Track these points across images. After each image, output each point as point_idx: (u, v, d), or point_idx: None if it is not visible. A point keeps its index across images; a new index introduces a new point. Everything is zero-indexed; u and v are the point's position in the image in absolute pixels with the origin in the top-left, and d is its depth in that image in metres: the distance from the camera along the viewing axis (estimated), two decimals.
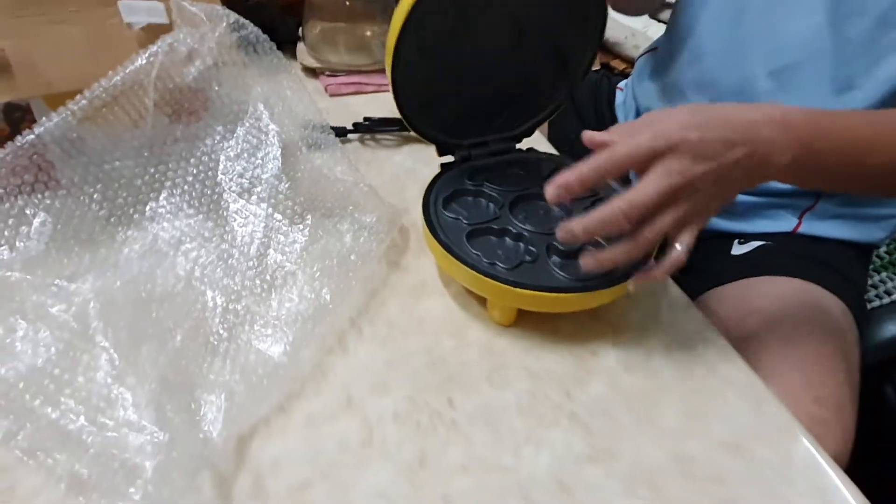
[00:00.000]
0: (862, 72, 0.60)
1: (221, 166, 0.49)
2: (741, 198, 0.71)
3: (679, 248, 0.43)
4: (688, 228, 0.43)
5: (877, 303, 0.82)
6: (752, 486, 0.41)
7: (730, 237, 0.73)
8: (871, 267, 0.86)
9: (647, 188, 0.40)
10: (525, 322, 0.49)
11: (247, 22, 0.50)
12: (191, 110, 0.49)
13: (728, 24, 0.67)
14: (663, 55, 0.77)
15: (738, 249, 0.72)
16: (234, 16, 0.49)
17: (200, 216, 0.47)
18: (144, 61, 0.45)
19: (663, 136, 0.40)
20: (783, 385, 0.52)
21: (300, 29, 0.80)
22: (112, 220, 0.44)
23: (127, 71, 0.44)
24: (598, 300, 0.48)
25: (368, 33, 0.79)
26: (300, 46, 0.80)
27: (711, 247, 0.74)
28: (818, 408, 0.52)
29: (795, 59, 0.62)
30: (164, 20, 0.50)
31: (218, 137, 0.50)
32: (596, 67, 1.27)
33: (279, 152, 0.49)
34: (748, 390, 0.47)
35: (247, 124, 0.50)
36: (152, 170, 0.47)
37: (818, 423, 0.51)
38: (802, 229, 0.71)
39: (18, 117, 0.51)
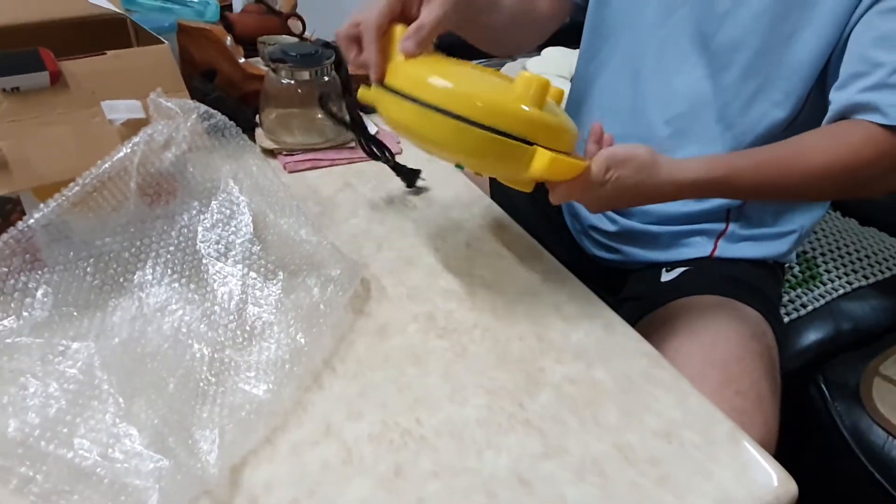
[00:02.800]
0: (738, 114, 0.71)
1: (199, 236, 0.55)
2: (664, 229, 0.81)
3: None
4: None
5: (795, 315, 0.92)
6: (683, 465, 0.48)
7: (658, 266, 0.82)
8: (787, 285, 0.96)
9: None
10: (478, 347, 0.56)
11: (215, 112, 0.58)
12: (169, 190, 0.56)
13: (629, 83, 0.78)
14: (572, 111, 0.88)
15: (666, 276, 0.81)
16: (203, 107, 0.57)
17: (184, 280, 0.53)
18: (129, 150, 0.52)
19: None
20: (708, 384, 0.60)
21: (257, 116, 0.88)
22: (105, 288, 0.50)
23: (113, 160, 0.51)
24: None
25: (320, 115, 0.87)
26: (258, 131, 0.88)
27: (643, 276, 0.83)
28: (739, 399, 0.60)
29: (685, 108, 0.74)
30: (141, 115, 0.57)
31: (194, 211, 0.57)
32: None
33: (250, 220, 0.56)
34: (676, 389, 0.54)
35: (220, 198, 0.57)
36: (138, 243, 0.53)
37: (740, 413, 0.58)
38: (718, 253, 0.80)
39: (10, 209, 0.57)
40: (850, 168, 0.59)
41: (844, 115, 0.62)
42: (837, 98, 0.62)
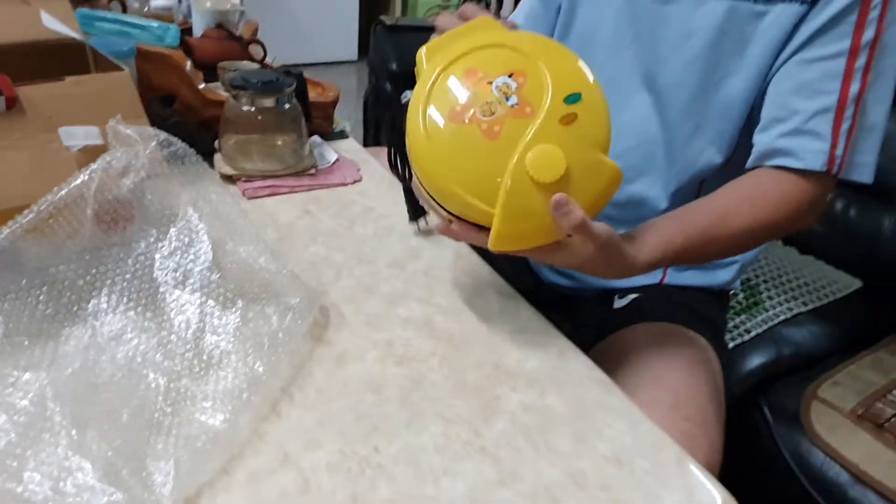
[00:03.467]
0: (681, 151, 0.75)
1: (157, 263, 0.55)
2: None
3: None
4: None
5: (739, 340, 0.96)
6: (633, 490, 0.49)
7: (611, 293, 0.85)
8: (732, 311, 1.00)
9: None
10: (435, 375, 0.57)
11: (174, 139, 0.58)
12: (126, 217, 0.56)
13: None
14: None
15: (618, 303, 0.83)
16: (163, 135, 0.57)
17: (140, 308, 0.53)
18: (86, 177, 0.52)
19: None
20: (657, 409, 0.62)
21: (216, 142, 0.88)
22: (58, 317, 0.49)
23: (70, 187, 0.51)
24: None
25: (279, 142, 0.88)
26: (217, 157, 0.88)
27: (597, 303, 0.86)
28: (687, 424, 0.62)
29: (634, 143, 0.77)
30: (99, 141, 0.57)
31: (152, 239, 0.56)
32: None
33: (209, 247, 0.56)
34: (627, 416, 0.56)
35: (179, 225, 0.57)
36: (93, 271, 0.52)
37: (687, 437, 0.61)
38: (667, 281, 0.84)
39: None
40: (774, 224, 0.65)
41: (766, 156, 0.67)
42: (759, 140, 0.68)
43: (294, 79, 0.86)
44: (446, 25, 0.62)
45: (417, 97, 0.57)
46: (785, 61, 0.67)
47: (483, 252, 0.76)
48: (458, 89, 0.56)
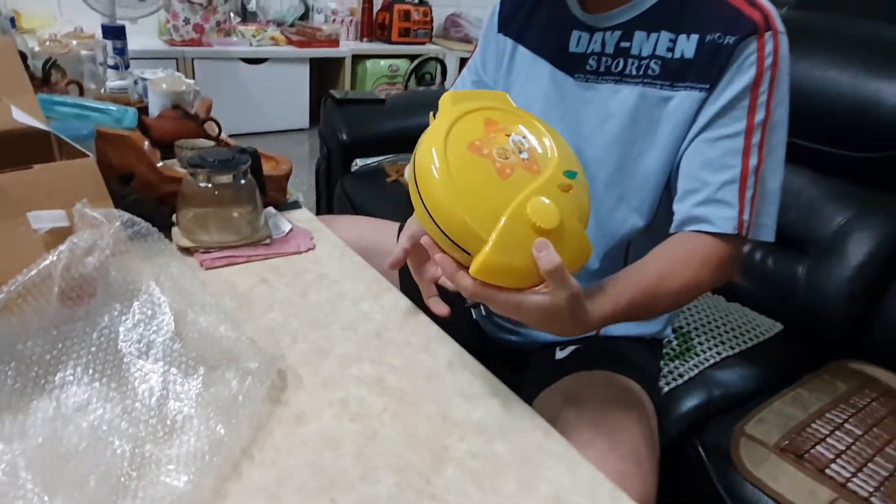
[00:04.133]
0: (607, 218, 0.84)
1: (121, 336, 0.58)
2: None
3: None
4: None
5: (674, 384, 1.02)
6: None
7: (553, 346, 0.91)
8: (666, 357, 1.07)
9: None
10: (388, 430, 0.61)
11: (138, 219, 0.62)
12: (91, 293, 0.59)
13: None
14: None
15: (559, 354, 0.90)
16: (126, 215, 0.61)
17: (105, 379, 0.56)
18: (53, 258, 0.56)
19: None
20: (595, 451, 0.67)
21: (174, 216, 0.92)
22: (26, 391, 0.52)
23: (39, 267, 0.54)
24: None
25: (235, 215, 0.93)
26: (175, 230, 0.92)
27: (541, 355, 0.92)
28: (622, 464, 0.68)
29: None
30: (66, 224, 0.61)
31: (115, 313, 0.60)
32: None
33: (171, 318, 0.60)
34: (566, 458, 0.61)
35: (142, 299, 0.61)
36: (60, 345, 0.55)
37: (622, 476, 0.66)
38: (603, 332, 0.91)
39: None
40: (703, 281, 0.72)
41: (685, 223, 0.76)
42: (678, 209, 0.77)
43: (249, 156, 0.92)
44: None
45: (438, 127, 0.62)
46: (692, 140, 0.77)
47: (431, 314, 0.81)
48: (479, 130, 0.63)
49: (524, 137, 0.64)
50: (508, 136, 0.64)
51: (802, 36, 1.33)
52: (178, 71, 2.53)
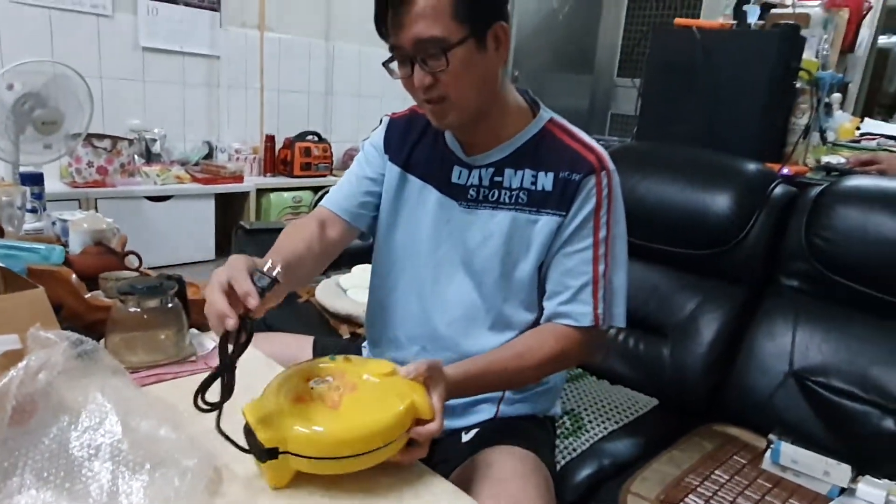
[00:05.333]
0: (497, 316, 1.01)
1: (72, 444, 0.65)
2: (460, 401, 1.03)
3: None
4: None
5: (569, 458, 1.16)
6: None
7: (459, 431, 1.03)
8: (561, 435, 1.21)
9: None
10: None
11: (86, 339, 0.71)
12: (43, 406, 0.66)
13: (416, 297, 1.05)
14: (376, 314, 1.13)
15: (465, 437, 1.02)
16: (75, 335, 0.70)
17: (58, 481, 0.62)
18: (6, 379, 0.63)
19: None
20: None
21: (101, 341, 0.99)
22: None
23: None
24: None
25: (163, 336, 1.01)
26: None
27: (448, 441, 1.03)
28: None
29: (460, 313, 1.02)
30: (18, 346, 0.69)
31: (65, 423, 0.67)
32: (346, 336, 1.63)
33: (118, 422, 0.68)
34: None
35: (89, 407, 0.68)
36: (16, 453, 0.62)
37: None
38: (500, 414, 1.04)
39: None
40: (558, 359, 0.94)
41: (552, 318, 0.97)
42: (547, 306, 0.98)
43: (175, 282, 1.02)
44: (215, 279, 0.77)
45: (273, 423, 0.73)
46: (555, 253, 0.98)
47: None
48: (297, 389, 0.79)
49: (320, 378, 0.81)
50: (308, 381, 0.80)
51: (642, 160, 1.64)
52: (79, 210, 2.57)
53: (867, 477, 1.06)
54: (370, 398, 0.77)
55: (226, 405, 0.73)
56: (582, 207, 0.95)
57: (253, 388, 0.96)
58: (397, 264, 1.07)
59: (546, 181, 0.96)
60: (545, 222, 0.96)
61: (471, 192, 1.01)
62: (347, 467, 0.73)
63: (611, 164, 0.97)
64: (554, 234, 0.96)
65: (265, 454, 0.71)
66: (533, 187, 0.97)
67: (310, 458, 0.72)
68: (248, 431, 0.73)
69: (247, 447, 0.72)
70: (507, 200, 0.98)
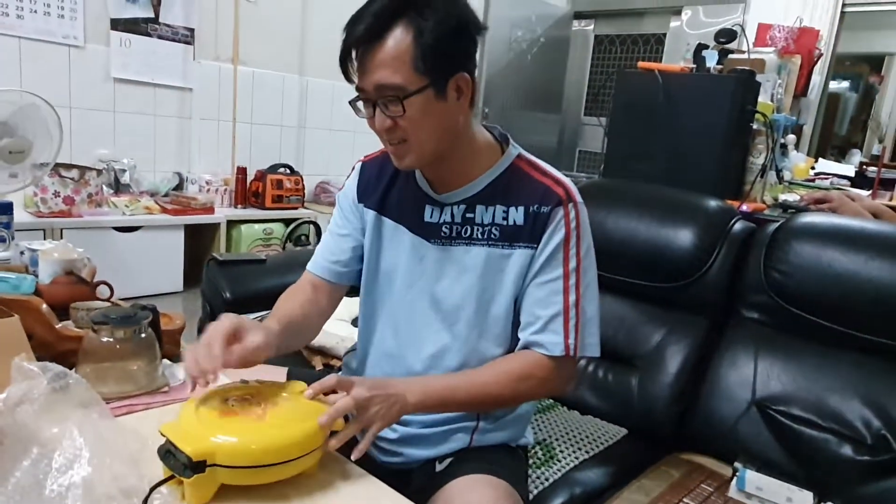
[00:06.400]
0: (471, 352, 1.03)
1: (49, 480, 0.65)
2: (433, 431, 1.04)
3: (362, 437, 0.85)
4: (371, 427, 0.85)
5: (542, 487, 1.17)
6: None
7: (433, 460, 1.04)
8: (534, 465, 1.23)
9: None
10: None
11: (68, 371, 0.71)
12: (17, 437, 0.66)
13: (392, 335, 1.07)
14: (361, 355, 1.14)
15: (439, 467, 1.03)
16: (58, 367, 0.70)
17: None
18: None
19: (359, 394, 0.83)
20: None
21: (73, 369, 0.98)
22: None
23: None
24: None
25: (135, 367, 1.00)
26: None
27: (422, 470, 1.04)
28: None
29: (433, 351, 1.03)
30: None
31: (35, 456, 0.67)
32: (319, 367, 1.62)
33: (88, 460, 0.67)
34: None
35: (64, 444, 0.68)
36: None
37: None
38: (474, 444, 1.05)
39: None
40: (528, 377, 0.97)
41: (525, 347, 0.99)
42: (521, 336, 1.00)
43: (149, 312, 1.02)
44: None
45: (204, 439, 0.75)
46: (527, 285, 1.00)
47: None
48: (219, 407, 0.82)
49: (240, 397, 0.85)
50: (227, 401, 0.83)
51: (609, 195, 1.70)
52: (45, 240, 2.52)
53: (829, 503, 1.10)
54: (292, 411, 0.83)
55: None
56: (551, 238, 0.98)
57: None
58: (377, 305, 1.10)
59: (517, 216, 1.00)
60: (518, 255, 0.99)
61: (444, 229, 1.03)
62: (274, 476, 0.77)
63: (578, 197, 1.01)
64: (527, 267, 0.99)
65: (191, 469, 0.71)
66: (504, 222, 1.00)
67: (239, 467, 0.74)
68: (167, 452, 0.74)
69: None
70: (479, 236, 1.01)
